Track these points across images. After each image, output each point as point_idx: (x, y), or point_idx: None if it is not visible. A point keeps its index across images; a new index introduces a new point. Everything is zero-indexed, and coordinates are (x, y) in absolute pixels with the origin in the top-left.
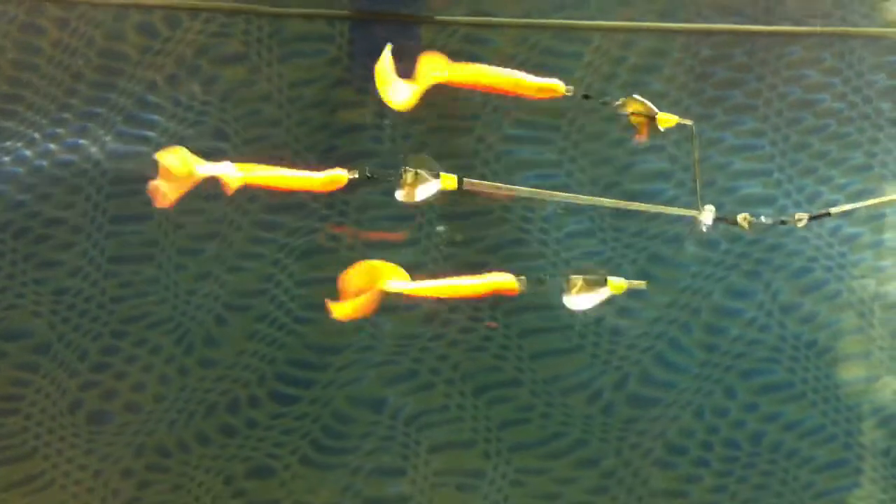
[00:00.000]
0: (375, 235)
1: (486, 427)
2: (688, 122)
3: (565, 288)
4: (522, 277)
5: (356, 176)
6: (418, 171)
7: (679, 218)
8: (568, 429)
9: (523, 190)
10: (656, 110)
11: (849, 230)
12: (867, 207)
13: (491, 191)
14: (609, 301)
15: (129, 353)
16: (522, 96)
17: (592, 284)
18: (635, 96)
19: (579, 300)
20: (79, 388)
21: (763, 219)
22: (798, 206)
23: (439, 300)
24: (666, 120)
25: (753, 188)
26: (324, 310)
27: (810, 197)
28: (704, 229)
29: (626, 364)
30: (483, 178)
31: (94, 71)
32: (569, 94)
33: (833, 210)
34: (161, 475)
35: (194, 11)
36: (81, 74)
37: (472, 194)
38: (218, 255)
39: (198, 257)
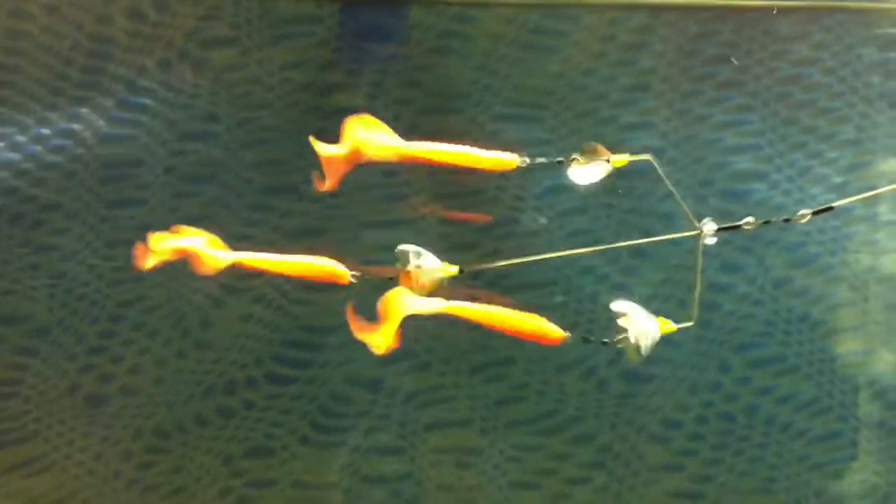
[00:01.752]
0: (457, 215)
1: (483, 405)
2: (646, 156)
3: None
4: (569, 334)
5: (354, 278)
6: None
7: (670, 194)
8: (563, 406)
9: (525, 260)
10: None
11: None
12: (860, 180)
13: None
14: (603, 278)
15: (127, 337)
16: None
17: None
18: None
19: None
20: (77, 372)
21: (764, 221)
22: (790, 180)
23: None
24: (619, 161)
25: (744, 163)
26: (318, 290)
27: (801, 171)
28: (710, 242)
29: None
30: None
31: (84, 56)
32: (523, 165)
33: (835, 204)
34: (160, 457)
35: None
36: (72, 60)
37: (467, 173)
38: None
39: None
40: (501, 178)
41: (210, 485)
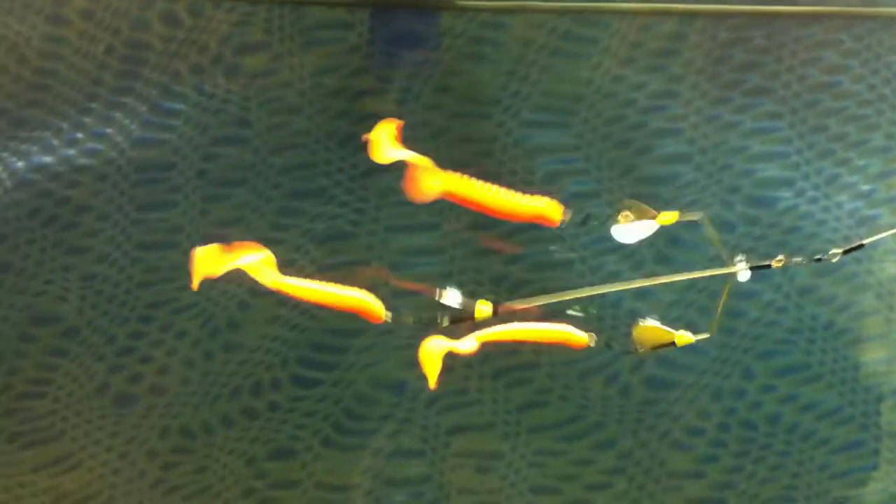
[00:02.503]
0: (492, 243)
1: (505, 409)
2: (695, 216)
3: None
4: (593, 335)
5: (389, 319)
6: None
7: (696, 200)
8: (585, 411)
9: (556, 296)
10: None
11: (867, 212)
12: (889, 189)
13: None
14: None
15: (155, 338)
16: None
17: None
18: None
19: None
20: (106, 372)
21: (796, 260)
22: (816, 188)
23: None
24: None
25: (771, 171)
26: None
27: (828, 179)
28: (743, 279)
29: None
30: (502, 163)
31: (119, 61)
32: (567, 220)
33: (867, 241)
34: (186, 457)
35: (217, 0)
36: (107, 65)
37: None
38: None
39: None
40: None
41: (233, 485)
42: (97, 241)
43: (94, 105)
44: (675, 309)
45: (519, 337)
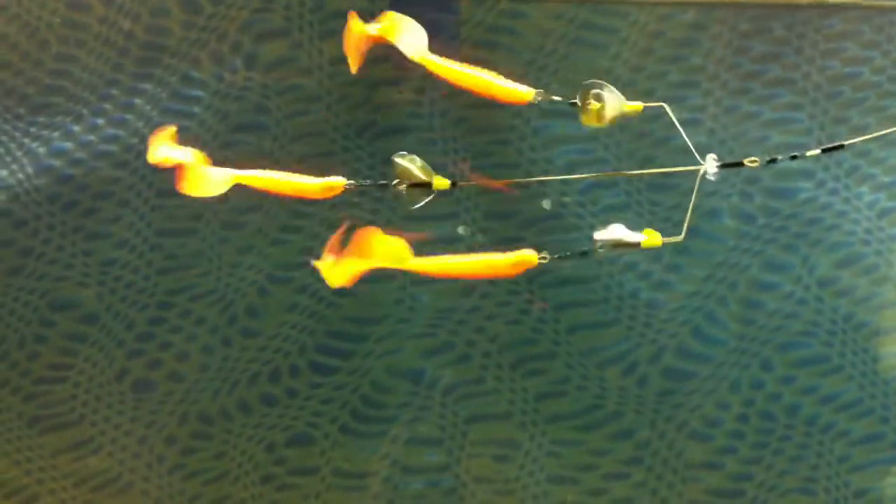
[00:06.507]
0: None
1: (523, 399)
2: (659, 103)
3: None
4: (545, 254)
5: (353, 184)
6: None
7: (716, 191)
8: (603, 401)
9: (522, 180)
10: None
11: (887, 203)
12: None
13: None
14: (645, 274)
15: (174, 324)
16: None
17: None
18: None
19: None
20: (125, 358)
21: (769, 158)
22: (836, 179)
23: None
24: (632, 107)
25: (791, 162)
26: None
27: (848, 170)
28: (713, 178)
29: (662, 337)
30: (520, 152)
31: (139, 47)
32: (537, 100)
33: (847, 143)
34: (204, 442)
35: None
36: (127, 51)
37: (506, 168)
38: (260, 228)
39: (241, 231)
40: (545, 174)
41: (252, 471)
42: (117, 227)
43: (114, 91)
44: (695, 299)
45: (464, 270)
